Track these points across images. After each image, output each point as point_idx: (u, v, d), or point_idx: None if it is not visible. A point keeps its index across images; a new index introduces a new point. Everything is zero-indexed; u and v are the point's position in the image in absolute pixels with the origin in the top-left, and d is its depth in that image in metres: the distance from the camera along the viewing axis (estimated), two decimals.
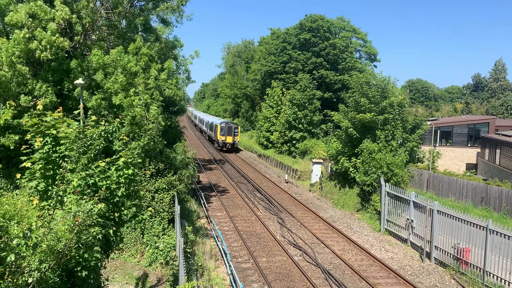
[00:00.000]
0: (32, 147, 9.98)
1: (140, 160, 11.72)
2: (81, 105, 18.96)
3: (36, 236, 7.56)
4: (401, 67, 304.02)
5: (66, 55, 22.27)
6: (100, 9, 24.95)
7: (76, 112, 11.64)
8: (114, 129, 10.64)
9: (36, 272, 7.46)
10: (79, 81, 19.55)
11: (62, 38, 20.56)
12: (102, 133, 10.45)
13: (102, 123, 10.90)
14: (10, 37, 21.28)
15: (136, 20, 25.07)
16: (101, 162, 9.95)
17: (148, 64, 23.47)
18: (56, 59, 21.37)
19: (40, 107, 10.54)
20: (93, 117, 11.33)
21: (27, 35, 20.13)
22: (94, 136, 10.32)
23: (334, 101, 58.77)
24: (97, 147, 10.22)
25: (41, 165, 9.69)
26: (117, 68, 22.34)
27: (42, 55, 20.20)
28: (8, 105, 19.96)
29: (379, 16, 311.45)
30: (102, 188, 9.53)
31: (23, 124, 10.55)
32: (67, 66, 22.11)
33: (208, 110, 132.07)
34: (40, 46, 20.16)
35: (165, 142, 24.61)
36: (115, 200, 9.92)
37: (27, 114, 19.82)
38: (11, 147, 19.84)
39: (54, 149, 9.82)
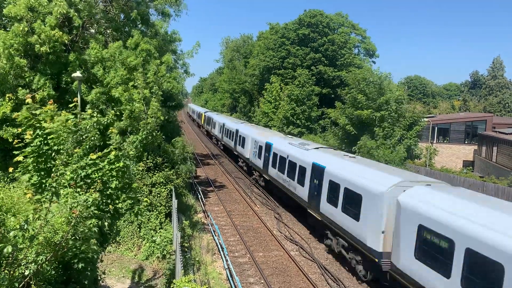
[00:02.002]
0: (24, 140, 10.00)
1: (132, 153, 11.78)
2: (78, 98, 18.97)
3: (33, 228, 7.59)
4: (400, 63, 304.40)
5: (64, 48, 22.19)
6: (98, 2, 24.85)
7: (71, 105, 11.63)
8: (109, 121, 10.68)
9: (33, 264, 7.49)
10: (77, 74, 19.49)
11: (61, 33, 20.50)
12: (95, 124, 10.49)
13: (95, 114, 10.92)
14: (8, 29, 21.20)
15: (132, 14, 24.96)
16: (93, 155, 9.99)
17: (147, 59, 23.42)
18: (54, 52, 21.31)
19: (29, 100, 10.56)
20: (89, 111, 11.34)
21: (26, 29, 20.07)
22: (88, 127, 10.37)
23: (332, 97, 58.83)
24: (92, 138, 10.25)
25: (33, 159, 9.72)
26: (115, 63, 22.29)
27: (41, 49, 20.16)
28: (7, 98, 19.95)
29: (377, 12, 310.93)
30: (98, 181, 9.57)
31: (15, 118, 10.57)
32: (65, 60, 22.04)
33: (206, 105, 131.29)
34: (39, 40, 20.11)
35: (163, 137, 24.58)
36: (108, 192, 9.95)
37: (25, 107, 19.81)
38: (10, 140, 19.84)
39: (45, 142, 9.84)
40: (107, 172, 9.95)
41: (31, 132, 9.79)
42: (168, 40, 27.82)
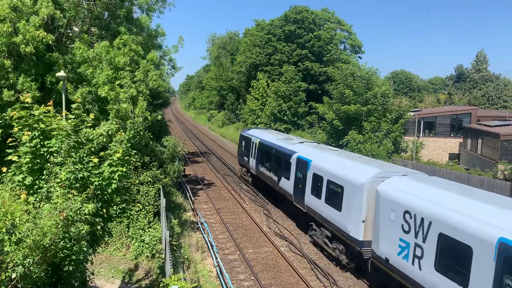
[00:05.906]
0: (18, 140, 9.87)
1: (133, 160, 11.76)
2: (63, 98, 18.80)
3: (20, 231, 7.53)
4: (385, 58, 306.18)
5: (48, 47, 21.92)
6: (82, 1, 24.58)
7: (47, 107, 11.45)
8: (113, 132, 10.72)
9: (20, 267, 7.43)
10: (61, 73, 19.28)
11: (45, 33, 20.24)
12: (101, 137, 10.47)
13: (106, 126, 10.90)
14: None
15: (120, 12, 24.74)
16: (94, 158, 9.92)
17: (134, 59, 23.24)
18: (38, 52, 21.04)
19: (28, 100, 10.43)
20: (91, 115, 11.25)
21: (9, 29, 19.78)
22: (92, 137, 10.33)
23: (319, 93, 58.96)
24: (92, 149, 10.22)
25: (28, 159, 9.60)
26: (102, 62, 22.11)
27: (26, 49, 19.90)
28: None
29: (362, 8, 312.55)
30: (91, 186, 9.49)
31: (10, 116, 10.41)
32: (49, 60, 21.79)
33: (194, 103, 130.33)
34: (24, 40, 19.84)
35: (150, 136, 24.45)
36: (105, 198, 9.91)
37: (10, 108, 19.51)
38: None
39: (42, 143, 9.74)
40: (107, 175, 9.88)
41: (29, 133, 9.67)
42: (153, 35, 27.62)
